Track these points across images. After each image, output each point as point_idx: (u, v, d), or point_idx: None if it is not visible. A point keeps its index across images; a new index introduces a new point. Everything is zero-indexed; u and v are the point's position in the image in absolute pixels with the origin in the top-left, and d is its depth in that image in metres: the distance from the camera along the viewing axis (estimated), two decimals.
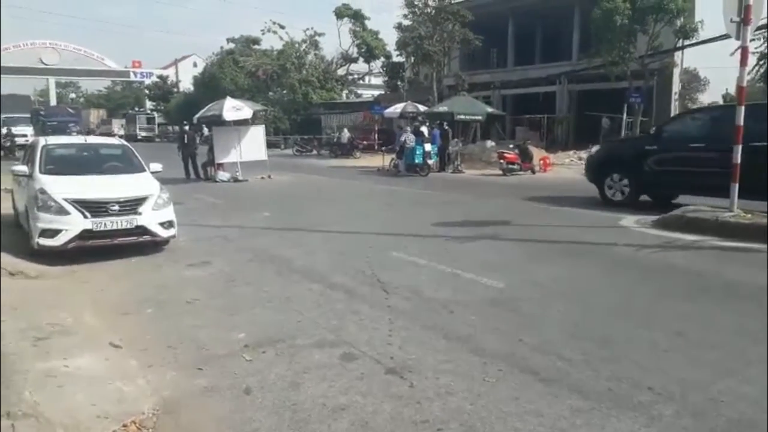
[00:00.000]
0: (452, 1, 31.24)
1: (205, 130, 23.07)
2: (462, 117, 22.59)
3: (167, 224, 7.94)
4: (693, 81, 44.64)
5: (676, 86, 30.29)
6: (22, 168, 8.47)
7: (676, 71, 29.49)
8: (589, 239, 8.65)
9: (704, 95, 43.30)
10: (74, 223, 7.25)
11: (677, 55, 28.31)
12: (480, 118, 23.36)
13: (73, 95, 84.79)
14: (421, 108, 26.13)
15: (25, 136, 31.46)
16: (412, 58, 34.72)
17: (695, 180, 10.48)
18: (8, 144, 29.96)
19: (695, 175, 10.41)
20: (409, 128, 21.57)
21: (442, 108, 23.19)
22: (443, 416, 3.38)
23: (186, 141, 19.40)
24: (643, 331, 4.72)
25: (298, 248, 8.20)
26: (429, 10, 31.16)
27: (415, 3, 31.18)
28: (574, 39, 31.47)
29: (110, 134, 22.75)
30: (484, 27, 31.12)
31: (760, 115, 9.62)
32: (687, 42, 24.59)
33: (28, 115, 36.99)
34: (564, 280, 6.39)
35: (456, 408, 3.47)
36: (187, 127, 20.77)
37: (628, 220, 9.88)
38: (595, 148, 16.09)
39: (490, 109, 24.15)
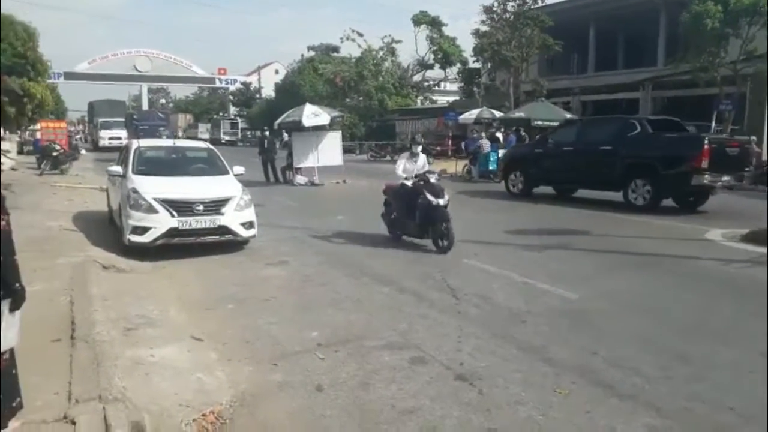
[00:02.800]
0: (531, 7, 30.68)
1: (285, 136, 23.72)
2: (539, 123, 22.06)
3: (248, 225, 8.26)
4: None
5: None
6: (117, 169, 9.04)
7: None
8: (671, 252, 8.27)
9: None
10: (162, 222, 7.68)
11: None
12: (558, 124, 22.76)
13: (163, 100, 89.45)
14: (497, 114, 25.77)
15: (119, 138, 33.49)
16: (489, 64, 34.33)
17: (566, 175, 13.97)
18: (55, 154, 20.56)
19: (566, 171, 13.81)
20: (483, 134, 21.37)
21: (519, 114, 22.74)
22: (513, 425, 3.36)
23: (266, 146, 20.09)
24: (726, 349, 4.49)
25: (369, 252, 8.33)
26: (507, 16, 30.73)
27: (494, 9, 30.84)
28: (660, 43, 30.11)
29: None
30: (564, 32, 30.36)
31: (604, 126, 14.02)
32: None
33: (123, 119, 39.28)
34: (642, 294, 6.16)
35: (526, 418, 3.44)
36: (267, 133, 21.48)
37: (714, 233, 9.38)
38: (502, 152, 19.09)
39: (569, 116, 23.38)
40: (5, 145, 20.24)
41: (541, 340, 4.71)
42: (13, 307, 2.96)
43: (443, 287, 6.29)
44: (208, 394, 3.76)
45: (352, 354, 4.42)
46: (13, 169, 19.40)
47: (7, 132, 23.31)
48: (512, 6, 30.62)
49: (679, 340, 4.71)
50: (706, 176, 11.35)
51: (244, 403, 3.68)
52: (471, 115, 26.85)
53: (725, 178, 11.76)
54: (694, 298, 6.02)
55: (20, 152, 26.14)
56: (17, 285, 2.96)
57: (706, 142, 11.53)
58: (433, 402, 3.64)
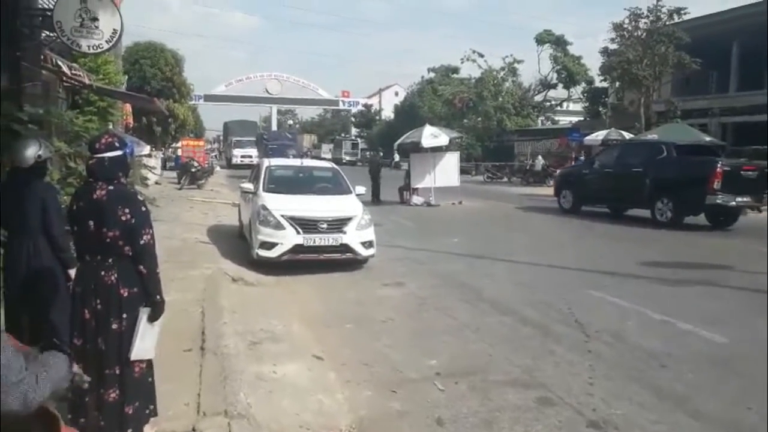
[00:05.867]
0: (666, 23, 28.85)
1: (396, 157, 24.00)
2: None
3: (368, 244, 8.34)
4: None
5: None
6: (249, 186, 9.52)
7: None
8: None
9: None
10: (289, 238, 7.94)
11: None
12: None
13: (290, 121, 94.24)
14: (627, 135, 24.39)
15: (250, 157, 35.74)
16: (618, 83, 32.71)
17: (604, 194, 15.58)
18: (194, 170, 21.80)
19: (604, 190, 15.40)
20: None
21: (651, 136, 21.36)
22: None
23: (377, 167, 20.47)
24: None
25: (486, 277, 8.08)
26: (639, 33, 29.16)
27: (624, 26, 29.41)
28: None
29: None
30: (702, 48, 28.18)
31: (638, 150, 15.90)
32: None
33: (254, 139, 41.83)
34: None
35: None
36: (381, 154, 21.84)
37: None
38: (558, 172, 21.02)
39: (707, 138, 21.63)
40: (152, 162, 22.16)
41: (684, 388, 4.23)
42: (152, 318, 3.07)
43: (570, 321, 5.90)
44: (328, 416, 3.73)
45: (473, 388, 4.21)
46: (157, 183, 21.20)
47: (154, 149, 25.55)
48: (645, 23, 29.02)
49: None
50: (720, 196, 12.56)
51: (362, 430, 3.60)
52: (598, 136, 25.63)
53: (739, 198, 12.87)
54: None
55: (163, 168, 28.55)
56: (158, 297, 3.10)
57: (718, 165, 12.80)
58: None
